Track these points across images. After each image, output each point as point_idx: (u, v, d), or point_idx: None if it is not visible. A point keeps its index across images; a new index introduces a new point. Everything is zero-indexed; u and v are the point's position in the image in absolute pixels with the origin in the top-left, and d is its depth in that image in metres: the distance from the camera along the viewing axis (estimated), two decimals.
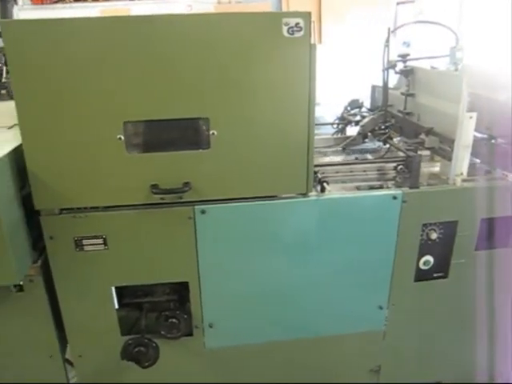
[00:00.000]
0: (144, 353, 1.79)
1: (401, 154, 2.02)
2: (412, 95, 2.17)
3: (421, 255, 1.93)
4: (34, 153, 1.58)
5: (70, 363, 2.02)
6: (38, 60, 1.48)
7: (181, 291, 1.91)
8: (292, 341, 2.03)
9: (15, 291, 1.74)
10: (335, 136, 2.49)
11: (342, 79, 5.35)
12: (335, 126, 2.55)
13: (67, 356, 2.00)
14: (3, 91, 2.87)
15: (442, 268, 1.97)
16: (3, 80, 2.41)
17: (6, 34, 1.46)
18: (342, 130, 2.51)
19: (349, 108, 2.54)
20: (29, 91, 1.51)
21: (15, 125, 2.00)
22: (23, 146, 1.57)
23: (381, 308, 1.98)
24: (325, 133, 2.58)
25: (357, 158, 2.22)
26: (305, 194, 1.76)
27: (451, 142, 1.83)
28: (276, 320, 1.97)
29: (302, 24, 1.54)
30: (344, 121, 2.50)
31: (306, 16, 1.53)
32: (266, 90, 1.60)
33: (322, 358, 2.10)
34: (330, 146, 2.35)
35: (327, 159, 2.16)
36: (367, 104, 2.63)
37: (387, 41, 2.09)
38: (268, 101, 1.61)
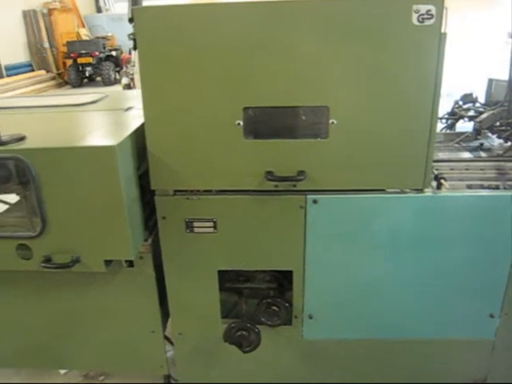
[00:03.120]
0: (246, 337, 1.81)
1: None
2: None
3: None
4: (155, 135, 1.63)
5: (169, 340, 2.09)
6: (166, 45, 1.53)
7: (281, 280, 1.91)
8: (390, 340, 1.97)
9: (126, 266, 1.82)
10: (445, 131, 2.36)
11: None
12: (444, 120, 2.42)
13: (165, 333, 2.07)
14: (98, 78, 3.04)
15: None
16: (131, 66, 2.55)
17: (138, 20, 1.51)
18: (452, 126, 2.38)
19: (461, 102, 2.39)
20: (155, 75, 1.56)
21: (130, 108, 2.10)
22: (145, 128, 1.63)
23: (492, 316, 1.86)
24: None
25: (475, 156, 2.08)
26: (421, 190, 1.68)
27: None
28: (376, 317, 1.91)
29: (433, 11, 1.46)
30: (455, 116, 2.37)
31: (439, 3, 1.45)
32: (389, 79, 1.53)
33: (422, 362, 2.02)
34: (439, 142, 2.24)
35: (440, 155, 2.05)
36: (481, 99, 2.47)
37: None
38: (391, 91, 1.54)
